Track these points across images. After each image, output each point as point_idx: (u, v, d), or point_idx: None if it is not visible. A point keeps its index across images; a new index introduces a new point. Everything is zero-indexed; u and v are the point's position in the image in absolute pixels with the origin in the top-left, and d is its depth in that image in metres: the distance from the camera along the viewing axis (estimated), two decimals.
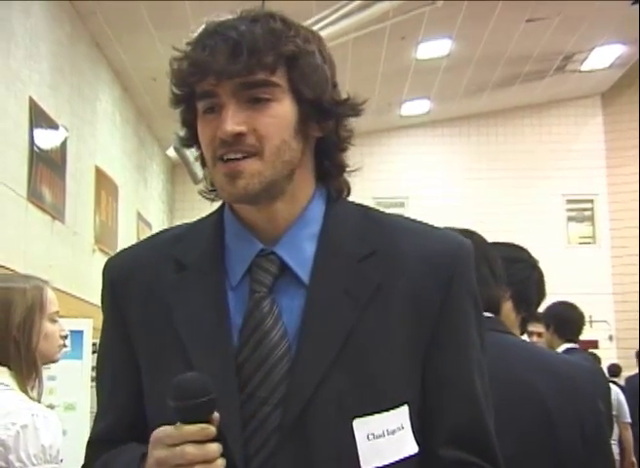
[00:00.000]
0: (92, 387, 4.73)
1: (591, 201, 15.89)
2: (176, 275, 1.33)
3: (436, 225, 1.39)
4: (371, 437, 1.23)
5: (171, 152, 6.80)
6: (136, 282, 1.36)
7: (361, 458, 1.22)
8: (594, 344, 13.95)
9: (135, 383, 1.33)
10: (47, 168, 7.91)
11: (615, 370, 9.87)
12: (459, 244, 1.33)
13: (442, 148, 15.75)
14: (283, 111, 1.28)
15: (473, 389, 1.29)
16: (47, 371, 4.85)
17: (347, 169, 1.39)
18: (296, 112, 1.29)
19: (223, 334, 1.27)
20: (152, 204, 13.01)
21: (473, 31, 11.52)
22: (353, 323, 1.25)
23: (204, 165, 1.36)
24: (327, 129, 1.33)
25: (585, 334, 12.86)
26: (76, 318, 5.85)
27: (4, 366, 2.42)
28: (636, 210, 15.00)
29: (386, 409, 1.24)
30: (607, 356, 12.77)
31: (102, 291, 1.41)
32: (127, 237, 11.04)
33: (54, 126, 8.19)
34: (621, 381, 9.25)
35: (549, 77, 14.05)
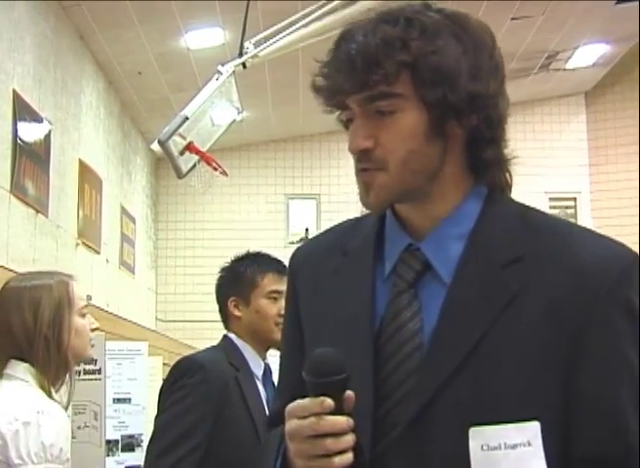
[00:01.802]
0: (77, 380, 4.71)
1: (574, 199, 15.96)
2: (338, 261, 1.37)
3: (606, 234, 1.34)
4: (485, 447, 1.18)
5: (155, 146, 6.77)
6: (308, 268, 1.41)
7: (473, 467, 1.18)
8: None
9: (303, 359, 1.35)
10: (30, 161, 7.87)
11: None
12: (614, 254, 1.28)
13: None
14: (408, 122, 1.26)
15: (619, 407, 1.21)
16: None
17: (508, 164, 1.36)
18: (425, 118, 1.27)
19: (366, 322, 1.29)
20: (136, 198, 12.97)
21: None
22: (486, 329, 1.23)
23: None
24: (469, 124, 1.30)
25: None
26: None
27: (29, 364, 2.40)
28: (618, 208, 15.08)
29: (511, 420, 1.18)
30: None
31: (287, 274, 1.48)
32: (110, 231, 11.01)
33: (37, 119, 8.15)
34: None
35: (534, 75, 14.09)
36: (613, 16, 11.82)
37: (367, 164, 1.28)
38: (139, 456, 5.70)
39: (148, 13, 9.35)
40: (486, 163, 1.33)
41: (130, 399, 6.05)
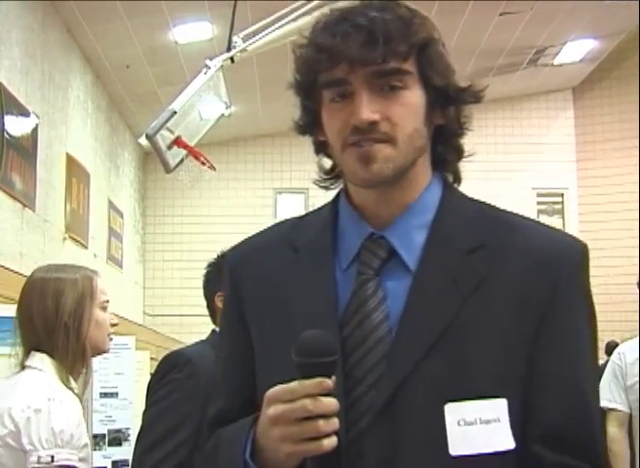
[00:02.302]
0: None
1: (561, 194, 16.01)
2: (290, 257, 1.36)
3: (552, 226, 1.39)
4: (462, 423, 1.21)
5: (143, 140, 6.76)
6: (253, 265, 1.39)
7: (450, 443, 1.21)
8: None
9: (249, 364, 1.36)
10: (17, 155, 7.84)
11: None
12: (570, 244, 1.34)
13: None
14: (414, 99, 1.30)
15: (580, 389, 1.27)
16: (14, 359, 4.83)
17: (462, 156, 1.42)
18: (425, 99, 1.31)
19: (329, 314, 1.29)
20: (124, 192, 12.94)
21: (446, 24, 11.53)
22: (455, 312, 1.26)
23: (321, 151, 1.38)
24: (449, 115, 1.35)
25: None
26: None
27: (47, 354, 2.43)
28: (605, 203, 15.14)
29: (479, 398, 1.22)
30: None
31: (225, 277, 1.45)
32: (98, 225, 10.98)
33: (24, 112, 8.12)
34: None
35: (521, 71, 14.12)
36: (601, 11, 11.85)
37: (373, 135, 1.27)
38: (126, 451, 5.69)
39: (136, 7, 9.32)
40: (450, 155, 1.39)
41: (117, 393, 6.05)
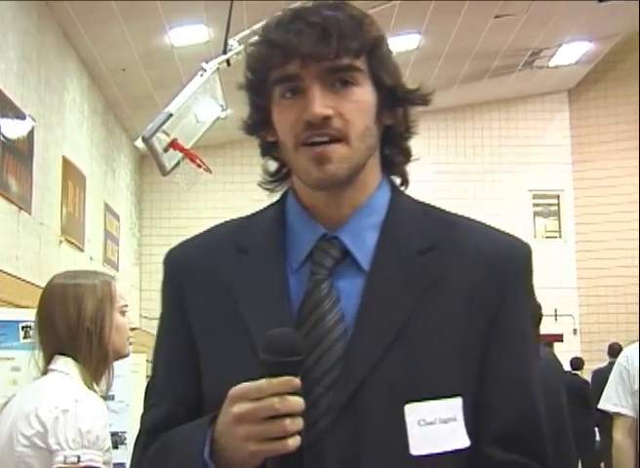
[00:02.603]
0: None
1: (557, 196, 16.03)
2: (237, 259, 1.34)
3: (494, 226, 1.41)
4: (422, 423, 1.22)
5: (139, 143, 6.76)
6: (196, 266, 1.37)
7: (411, 443, 1.21)
8: (559, 338, 14.11)
9: (193, 368, 1.33)
10: (13, 158, 7.84)
11: (577, 363, 9.99)
12: (516, 245, 1.35)
13: (410, 142, 15.78)
14: (366, 96, 1.29)
15: (529, 389, 1.29)
16: (11, 362, 4.83)
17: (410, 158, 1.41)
18: (375, 98, 1.31)
19: (283, 315, 1.28)
20: (120, 195, 12.94)
21: (442, 26, 11.57)
22: (410, 311, 1.26)
23: (268, 153, 1.37)
24: (397, 117, 1.35)
25: (550, 328, 13.01)
26: None
27: (71, 358, 2.46)
28: (601, 205, 15.16)
29: (439, 398, 1.23)
30: (571, 349, 12.92)
31: (163, 278, 1.42)
32: (94, 228, 10.98)
33: (21, 115, 8.12)
34: (584, 374, 9.37)
35: (517, 73, 14.14)
36: (596, 14, 11.88)
37: (326, 130, 1.26)
38: (122, 454, 5.69)
39: (132, 10, 9.33)
40: (398, 157, 1.38)
41: (113, 396, 6.03)
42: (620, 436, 3.68)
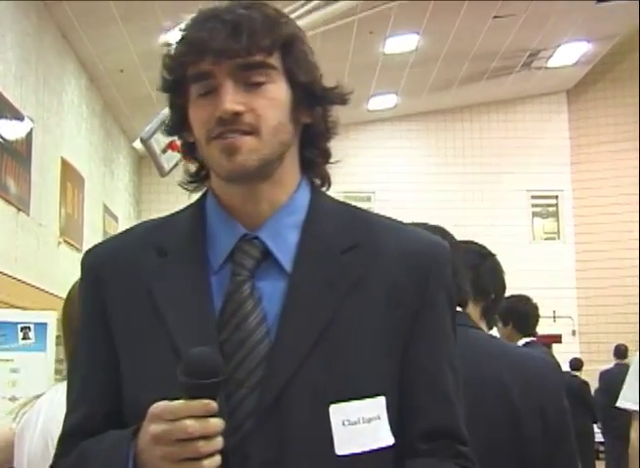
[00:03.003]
0: (55, 379, 4.71)
1: (556, 197, 16.04)
2: (157, 261, 1.33)
3: (407, 222, 1.42)
4: (346, 423, 1.23)
5: (137, 144, 6.77)
6: (115, 269, 1.35)
7: (336, 443, 1.22)
8: (558, 339, 14.11)
9: (111, 371, 1.31)
10: (12, 159, 7.84)
11: (577, 364, 10.00)
12: (436, 243, 1.36)
13: (409, 143, 15.82)
14: (279, 93, 1.29)
15: (446, 389, 1.31)
16: (10, 364, 4.82)
17: (330, 161, 1.39)
18: (290, 95, 1.31)
19: (205, 317, 1.27)
20: (119, 196, 12.94)
21: (441, 27, 11.57)
22: (333, 311, 1.26)
23: (190, 153, 1.37)
24: (315, 115, 1.34)
25: (549, 329, 13.01)
26: (41, 310, 5.81)
27: None
28: (600, 206, 15.17)
29: (363, 397, 1.24)
30: (569, 350, 12.92)
31: (81, 280, 1.40)
32: (93, 229, 10.98)
33: (19, 117, 8.12)
34: (583, 375, 9.37)
35: (516, 73, 14.15)
36: (594, 14, 11.89)
37: (237, 126, 1.26)
38: None
39: (131, 11, 9.33)
40: (316, 156, 1.37)
41: None
42: (637, 434, 3.58)
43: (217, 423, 1.15)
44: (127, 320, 1.32)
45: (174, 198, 15.69)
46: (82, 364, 1.38)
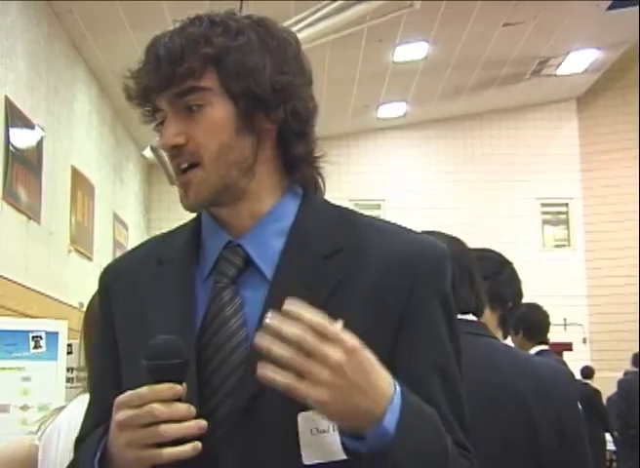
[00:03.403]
0: (67, 388, 4.71)
1: (566, 204, 16.00)
2: (154, 270, 1.36)
3: (413, 229, 1.38)
4: (315, 431, 1.20)
5: (147, 152, 6.80)
6: (121, 281, 1.39)
7: (303, 453, 1.20)
8: (568, 347, 14.06)
9: (118, 380, 1.33)
10: (23, 167, 7.87)
11: (588, 372, 9.96)
12: (428, 246, 1.32)
13: (418, 151, 15.81)
14: (216, 114, 1.28)
15: (431, 396, 1.24)
16: (21, 372, 4.83)
17: (317, 162, 1.37)
18: (232, 110, 1.28)
19: (187, 322, 1.28)
20: (129, 204, 12.97)
21: (450, 35, 11.57)
22: None
23: None
24: (276, 119, 1.30)
25: (560, 337, 12.96)
26: (51, 319, 5.81)
27: None
28: (610, 213, 15.12)
29: None
30: (580, 358, 12.86)
31: (97, 294, 1.44)
32: (103, 238, 11.00)
33: (30, 125, 8.15)
34: (594, 383, 9.34)
35: (525, 81, 14.14)
36: (604, 22, 11.88)
37: (180, 159, 1.28)
38: None
39: (141, 19, 9.36)
40: (296, 158, 1.34)
41: None
42: None
43: (184, 407, 1.14)
44: (126, 330, 1.35)
45: None
46: (95, 373, 1.45)
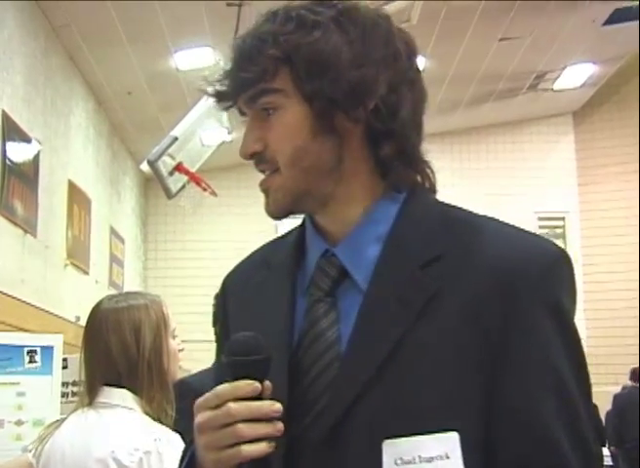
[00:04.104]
0: (62, 403, 4.68)
1: (563, 218, 16.00)
2: (263, 274, 1.31)
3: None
4: (399, 462, 1.09)
5: (144, 166, 6.78)
6: (237, 286, 1.35)
7: None
8: None
9: None
10: (19, 181, 7.85)
11: None
12: (539, 249, 1.17)
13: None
14: (290, 117, 1.21)
15: (541, 422, 1.11)
16: (16, 387, 4.80)
17: (418, 161, 1.28)
18: (307, 112, 1.20)
19: (282, 336, 1.21)
20: (125, 218, 12.95)
21: (447, 49, 11.59)
22: (402, 334, 1.14)
23: None
24: (358, 118, 1.21)
25: None
26: (47, 333, 5.79)
27: (128, 390, 2.28)
28: (607, 227, 15.12)
29: (422, 433, 1.09)
30: None
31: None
32: (99, 251, 10.97)
33: (26, 139, 8.14)
34: (593, 398, 9.30)
35: (522, 95, 14.15)
36: (600, 37, 11.90)
37: (261, 166, 1.24)
38: None
39: (138, 33, 9.37)
40: (386, 159, 1.23)
41: None
42: None
43: (263, 404, 1.08)
44: (234, 333, 1.29)
45: (180, 220, 15.69)
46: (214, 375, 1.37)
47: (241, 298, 1.32)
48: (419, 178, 1.29)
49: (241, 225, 13.94)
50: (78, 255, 9.90)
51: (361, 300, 1.19)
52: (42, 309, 8.12)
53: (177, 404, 2.61)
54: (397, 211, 1.24)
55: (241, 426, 1.07)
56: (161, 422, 2.28)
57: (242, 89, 1.23)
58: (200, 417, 1.11)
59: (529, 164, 15.62)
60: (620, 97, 15.19)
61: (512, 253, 1.16)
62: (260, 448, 1.08)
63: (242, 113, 1.27)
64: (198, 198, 7.38)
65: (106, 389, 2.29)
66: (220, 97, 1.27)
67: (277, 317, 1.24)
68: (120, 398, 2.27)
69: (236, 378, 1.09)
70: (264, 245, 1.40)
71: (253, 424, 1.07)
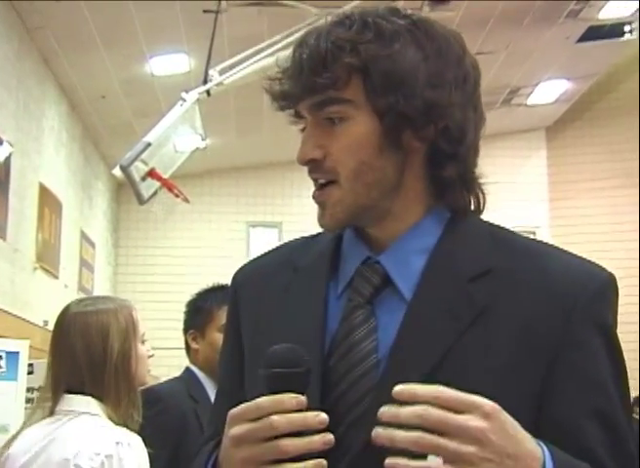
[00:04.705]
0: (26, 409, 4.63)
1: (534, 233, 16.09)
2: (288, 277, 1.27)
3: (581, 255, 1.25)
4: None
5: (117, 171, 6.76)
6: (252, 286, 1.31)
7: None
8: None
9: (237, 387, 1.26)
10: None
11: None
12: (589, 272, 1.19)
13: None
14: (358, 130, 1.17)
15: (588, 446, 1.10)
16: None
17: (474, 183, 1.28)
18: (376, 126, 1.18)
19: (315, 342, 1.18)
20: (96, 223, 12.86)
21: None
22: (450, 345, 1.13)
23: None
24: (426, 136, 1.20)
25: None
26: (13, 338, 5.73)
27: (93, 397, 2.24)
28: (578, 243, 15.21)
29: None
30: None
31: (228, 297, 1.38)
32: (70, 255, 10.89)
33: None
34: None
35: (496, 110, 14.24)
36: (574, 53, 12.01)
37: (317, 175, 1.20)
38: None
39: (113, 38, 9.32)
40: (446, 181, 1.24)
41: None
42: None
43: (307, 417, 1.03)
44: (251, 337, 1.27)
45: (152, 226, 15.65)
46: (220, 381, 1.35)
47: (259, 299, 1.28)
48: (471, 199, 1.30)
49: (212, 232, 13.90)
50: (48, 259, 9.82)
51: (404, 310, 1.17)
52: (9, 313, 8.04)
53: (143, 411, 2.60)
54: (444, 226, 1.24)
55: (285, 442, 1.03)
56: (127, 427, 2.26)
57: (309, 93, 1.18)
58: (238, 429, 1.06)
59: (501, 178, 15.68)
60: (592, 114, 15.33)
61: (565, 274, 1.18)
62: (310, 465, 1.04)
63: (298, 116, 1.23)
64: (170, 204, 7.35)
65: (69, 396, 2.27)
66: (281, 96, 1.21)
67: (308, 320, 1.21)
68: (83, 405, 2.25)
69: (273, 391, 1.05)
70: (285, 245, 1.37)
71: (296, 439, 1.03)
